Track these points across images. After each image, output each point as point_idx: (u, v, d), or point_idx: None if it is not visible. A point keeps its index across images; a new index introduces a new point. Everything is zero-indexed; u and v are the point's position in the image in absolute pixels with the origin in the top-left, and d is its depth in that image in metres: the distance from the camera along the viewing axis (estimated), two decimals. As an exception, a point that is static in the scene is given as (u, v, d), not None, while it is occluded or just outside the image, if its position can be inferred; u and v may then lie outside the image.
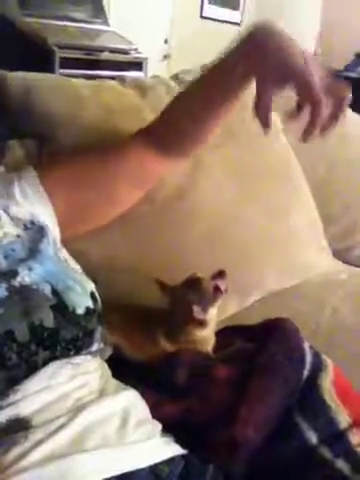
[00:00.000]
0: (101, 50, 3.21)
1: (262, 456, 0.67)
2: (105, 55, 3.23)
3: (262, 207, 1.04)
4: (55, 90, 0.98)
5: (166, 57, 4.14)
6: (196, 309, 0.76)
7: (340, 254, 1.19)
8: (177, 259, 0.96)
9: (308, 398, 0.71)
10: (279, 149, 1.14)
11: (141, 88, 1.07)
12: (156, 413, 0.69)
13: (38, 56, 2.86)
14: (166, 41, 4.08)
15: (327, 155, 1.31)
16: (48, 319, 0.63)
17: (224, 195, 1.01)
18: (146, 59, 3.35)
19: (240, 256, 0.99)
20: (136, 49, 3.29)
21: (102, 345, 0.72)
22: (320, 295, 1.03)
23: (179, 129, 0.86)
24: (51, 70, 2.88)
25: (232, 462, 0.65)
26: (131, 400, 0.67)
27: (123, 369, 0.76)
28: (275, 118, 1.19)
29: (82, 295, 0.69)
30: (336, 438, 0.68)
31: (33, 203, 0.77)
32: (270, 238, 1.03)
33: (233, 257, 0.98)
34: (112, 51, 3.26)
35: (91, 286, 0.73)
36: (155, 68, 3.76)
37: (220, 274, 0.79)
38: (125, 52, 3.33)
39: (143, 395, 0.70)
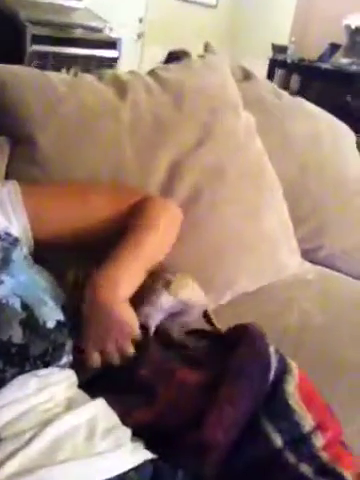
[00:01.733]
0: (74, 27, 3.15)
1: (231, 459, 0.70)
2: (78, 32, 3.16)
3: (237, 208, 1.06)
4: (31, 85, 0.97)
5: (140, 36, 4.08)
6: None
7: (308, 254, 1.23)
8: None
9: (273, 402, 0.74)
10: (254, 150, 1.16)
11: (120, 86, 1.07)
12: (125, 421, 0.70)
13: (9, 31, 2.79)
14: (141, 20, 4.02)
15: (299, 155, 1.33)
16: (17, 335, 0.64)
17: (200, 196, 1.03)
18: (120, 39, 3.30)
19: (214, 257, 1.01)
20: (111, 28, 3.23)
21: (71, 357, 0.73)
22: (289, 296, 1.07)
23: None
24: (22, 46, 2.81)
25: (202, 466, 0.68)
26: (98, 409, 0.68)
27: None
28: (251, 121, 1.22)
29: (53, 308, 0.70)
30: (300, 441, 0.71)
31: (9, 214, 0.77)
32: (244, 239, 1.05)
33: (207, 258, 1.00)
34: (85, 28, 3.20)
35: (63, 299, 0.74)
36: (129, 47, 3.71)
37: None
38: (99, 30, 3.27)
39: (110, 403, 0.71)
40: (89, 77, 1.07)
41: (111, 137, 1.00)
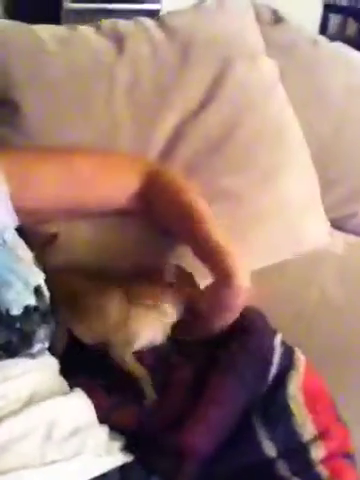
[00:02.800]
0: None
1: (215, 467, 0.62)
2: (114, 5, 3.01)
3: (246, 173, 0.94)
4: (15, 42, 0.88)
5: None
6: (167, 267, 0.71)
7: (339, 223, 1.09)
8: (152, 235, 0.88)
9: (271, 403, 0.65)
10: (274, 105, 1.02)
11: (118, 38, 0.95)
12: (108, 418, 0.65)
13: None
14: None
15: (334, 111, 1.17)
16: None
17: (203, 164, 0.91)
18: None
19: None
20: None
21: (46, 344, 0.66)
22: (308, 272, 0.95)
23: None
24: (59, 3, 2.71)
25: (178, 474, 0.60)
26: (67, 405, 0.62)
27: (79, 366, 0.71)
28: (273, 71, 1.07)
29: (21, 292, 0.62)
30: (297, 452, 0.62)
31: None
32: (253, 209, 0.93)
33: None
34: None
35: (37, 280, 0.66)
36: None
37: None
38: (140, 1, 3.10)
39: (94, 398, 0.65)
40: (85, 30, 0.96)
41: (104, 101, 0.90)
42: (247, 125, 0.96)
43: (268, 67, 1.05)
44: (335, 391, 0.70)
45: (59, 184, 0.79)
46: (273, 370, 0.67)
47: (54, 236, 0.81)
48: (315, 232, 1.00)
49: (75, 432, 0.59)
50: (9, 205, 0.72)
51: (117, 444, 0.63)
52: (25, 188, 0.75)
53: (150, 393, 0.66)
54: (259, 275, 0.92)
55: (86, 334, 0.71)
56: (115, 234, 0.86)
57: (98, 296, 0.72)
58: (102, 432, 0.62)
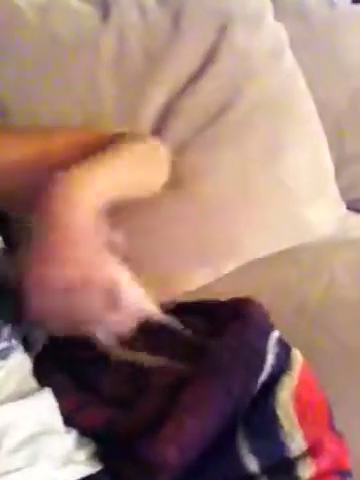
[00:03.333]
0: None
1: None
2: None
3: (245, 149, 0.85)
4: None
5: None
6: None
7: (355, 205, 0.98)
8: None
9: (258, 412, 0.56)
10: (279, 73, 0.91)
11: (104, 4, 0.87)
12: (77, 419, 0.58)
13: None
14: None
15: (351, 80, 1.06)
16: None
17: (196, 140, 0.83)
18: None
19: (212, 214, 0.81)
20: None
21: (13, 342, 0.60)
22: (317, 261, 0.84)
23: None
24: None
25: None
26: (22, 411, 0.55)
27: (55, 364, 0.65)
28: (280, 35, 0.96)
29: None
30: (282, 469, 0.53)
31: None
32: (252, 189, 0.83)
33: (203, 214, 0.81)
34: None
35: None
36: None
37: None
38: None
39: (65, 396, 0.59)
40: (69, -4, 0.88)
41: (87, 73, 0.83)
42: (246, 97, 0.87)
43: (273, 32, 0.95)
44: (338, 397, 0.61)
45: (32, 162, 0.71)
46: (264, 376, 0.58)
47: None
48: (326, 216, 0.89)
49: (30, 440, 0.53)
50: None
51: (84, 452, 0.56)
52: None
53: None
54: (262, 263, 0.84)
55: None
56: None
57: None
58: (67, 438, 0.56)
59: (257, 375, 0.58)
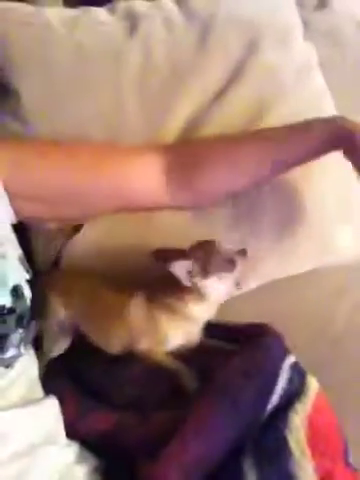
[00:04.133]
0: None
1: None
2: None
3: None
4: (20, 24, 0.81)
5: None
6: (178, 268, 0.60)
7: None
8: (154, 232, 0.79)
9: (267, 438, 0.53)
10: (307, 92, 0.90)
11: (131, 19, 0.87)
12: (84, 422, 0.59)
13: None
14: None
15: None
16: None
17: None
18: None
19: (234, 231, 0.79)
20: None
21: (22, 350, 0.59)
22: (339, 285, 0.81)
23: (215, 176, 0.73)
24: None
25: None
26: (25, 420, 0.54)
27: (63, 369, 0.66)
28: (310, 54, 0.95)
29: None
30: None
31: None
32: (278, 210, 0.81)
33: (221, 230, 0.79)
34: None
35: (17, 279, 0.59)
36: None
37: (241, 252, 0.65)
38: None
39: (70, 399, 0.60)
40: (97, 11, 0.88)
41: (112, 88, 0.82)
42: (274, 114, 0.85)
43: (302, 51, 0.93)
44: (355, 430, 0.57)
45: (59, 172, 0.71)
46: (274, 399, 0.55)
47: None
48: (350, 240, 0.86)
49: (28, 451, 0.52)
50: (5, 200, 0.67)
51: (84, 466, 0.56)
52: (19, 171, 0.69)
53: (191, 383, 0.60)
54: (282, 285, 0.81)
55: (110, 345, 0.66)
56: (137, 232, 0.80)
57: (119, 304, 0.66)
58: (68, 451, 0.55)
59: (267, 399, 0.55)
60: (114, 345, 0.66)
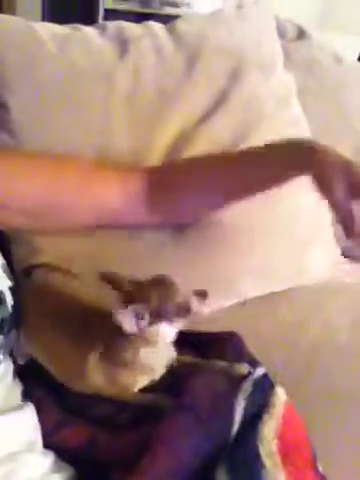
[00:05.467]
0: (151, 1, 3.01)
1: None
2: (155, 7, 3.01)
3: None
4: (12, 39, 0.82)
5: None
6: (122, 316, 0.55)
7: (352, 252, 1.00)
8: (132, 253, 0.81)
9: (240, 449, 0.55)
10: (285, 120, 0.95)
11: (122, 42, 0.90)
12: (58, 436, 0.59)
13: (81, 5, 2.71)
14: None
15: (356, 130, 1.10)
16: None
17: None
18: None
19: (211, 254, 0.83)
20: (188, 4, 3.04)
21: (1, 357, 0.60)
22: (311, 302, 0.86)
23: (198, 193, 0.76)
24: (94, 21, 2.73)
25: None
26: (3, 428, 0.55)
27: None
28: (289, 85, 1.00)
29: None
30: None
31: None
32: (253, 231, 0.85)
33: (202, 256, 0.82)
34: (163, 3, 3.04)
35: (1, 285, 0.61)
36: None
37: (201, 294, 0.59)
38: (176, 5, 3.10)
39: (45, 412, 0.60)
40: (89, 31, 0.91)
41: (100, 108, 0.85)
42: (254, 141, 0.89)
43: (282, 82, 0.99)
44: (325, 438, 0.61)
45: (43, 186, 0.73)
46: (239, 408, 0.57)
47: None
48: (321, 261, 0.91)
49: (7, 458, 0.53)
50: None
51: (59, 477, 0.56)
52: (4, 182, 0.70)
53: (166, 406, 0.59)
54: (256, 302, 0.85)
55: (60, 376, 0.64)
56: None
57: (77, 357, 0.61)
58: (44, 461, 0.56)
59: (231, 409, 0.57)
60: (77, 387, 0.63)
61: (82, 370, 0.60)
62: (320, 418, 0.64)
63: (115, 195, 0.75)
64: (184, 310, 0.57)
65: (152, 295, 0.57)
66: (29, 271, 0.74)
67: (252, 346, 0.68)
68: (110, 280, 0.60)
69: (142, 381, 0.61)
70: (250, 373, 0.61)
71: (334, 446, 0.63)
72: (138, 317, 0.56)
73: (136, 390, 0.61)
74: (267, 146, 0.72)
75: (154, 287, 0.58)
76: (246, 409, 0.57)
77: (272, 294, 0.85)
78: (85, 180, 0.75)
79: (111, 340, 0.60)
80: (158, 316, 0.57)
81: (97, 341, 0.61)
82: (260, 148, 0.73)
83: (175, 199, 0.77)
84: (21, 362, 0.65)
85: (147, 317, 0.56)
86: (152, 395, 0.61)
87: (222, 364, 0.63)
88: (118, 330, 0.56)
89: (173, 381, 0.61)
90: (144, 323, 0.56)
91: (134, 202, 0.76)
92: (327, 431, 0.63)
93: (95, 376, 0.60)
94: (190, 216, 0.82)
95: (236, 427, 0.56)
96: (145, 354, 0.59)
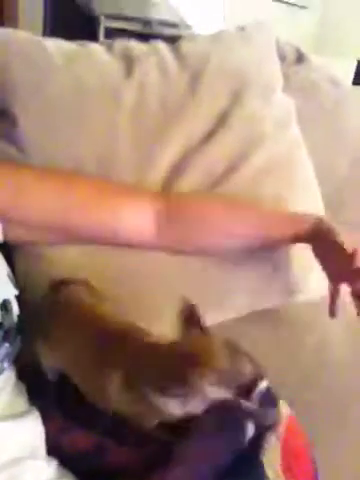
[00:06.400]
0: (151, 22, 3.06)
1: None
2: (155, 27, 3.06)
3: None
4: (20, 54, 0.84)
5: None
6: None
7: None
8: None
9: (244, 460, 0.57)
10: (285, 141, 0.97)
11: (128, 60, 0.93)
12: (64, 440, 0.60)
13: (82, 24, 2.74)
14: (224, 18, 3.85)
15: (352, 151, 1.13)
16: None
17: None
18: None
19: (208, 268, 0.84)
20: (187, 25, 3.10)
21: (5, 364, 0.61)
22: (308, 319, 0.87)
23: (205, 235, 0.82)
24: (95, 40, 2.76)
25: None
26: (8, 434, 0.56)
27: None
28: (288, 107, 1.03)
29: None
30: None
31: None
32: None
33: (200, 270, 0.83)
34: (163, 24, 3.09)
35: (6, 294, 0.61)
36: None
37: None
38: (177, 26, 3.15)
39: (49, 417, 0.61)
40: (96, 48, 0.93)
41: (106, 123, 0.87)
42: (253, 162, 0.92)
43: (282, 104, 1.01)
44: (325, 451, 0.62)
45: (52, 203, 0.75)
46: (250, 428, 0.58)
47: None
48: (320, 279, 0.92)
49: (11, 463, 0.54)
50: None
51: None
52: (13, 196, 0.72)
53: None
54: (255, 319, 0.86)
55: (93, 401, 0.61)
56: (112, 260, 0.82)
57: (97, 375, 0.58)
58: (48, 468, 0.56)
59: (244, 427, 0.58)
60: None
61: (104, 390, 0.56)
62: (318, 431, 0.65)
63: (122, 217, 0.77)
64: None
65: (246, 372, 0.51)
66: (58, 286, 0.74)
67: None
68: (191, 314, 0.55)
69: (156, 422, 0.56)
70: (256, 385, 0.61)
71: (332, 458, 0.63)
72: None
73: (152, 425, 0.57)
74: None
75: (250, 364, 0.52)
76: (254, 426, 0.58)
77: (268, 310, 0.86)
78: (93, 200, 0.76)
79: (131, 369, 0.55)
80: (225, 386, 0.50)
81: (117, 365, 0.56)
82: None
83: (184, 231, 0.80)
84: (51, 378, 0.65)
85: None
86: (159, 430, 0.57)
87: None
88: (161, 366, 0.52)
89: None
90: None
91: (141, 226, 0.77)
92: (325, 444, 0.64)
93: (117, 399, 0.56)
94: (193, 249, 0.84)
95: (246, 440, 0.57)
96: (177, 410, 0.53)
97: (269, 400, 0.61)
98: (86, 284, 0.70)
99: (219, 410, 0.53)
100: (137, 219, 0.77)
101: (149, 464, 0.56)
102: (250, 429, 0.58)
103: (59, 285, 0.70)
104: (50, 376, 0.65)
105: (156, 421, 0.55)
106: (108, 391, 0.55)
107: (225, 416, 0.55)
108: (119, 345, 0.57)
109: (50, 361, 0.65)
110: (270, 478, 0.55)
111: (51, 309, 0.66)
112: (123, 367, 0.55)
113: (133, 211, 0.77)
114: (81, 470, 0.59)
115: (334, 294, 0.75)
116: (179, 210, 0.80)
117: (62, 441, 0.60)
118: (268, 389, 0.62)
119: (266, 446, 0.57)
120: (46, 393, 0.65)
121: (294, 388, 0.72)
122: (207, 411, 0.52)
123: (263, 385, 0.62)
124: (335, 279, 0.76)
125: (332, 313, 0.75)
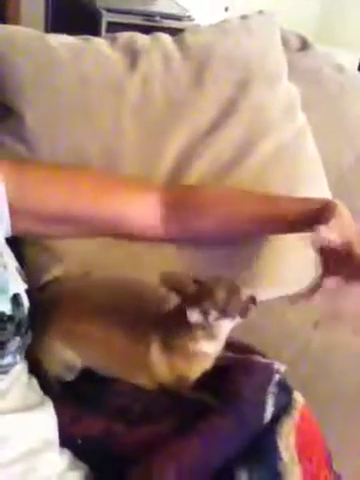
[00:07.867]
0: (153, 15, 3.05)
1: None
2: (157, 21, 3.05)
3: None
4: (25, 50, 0.84)
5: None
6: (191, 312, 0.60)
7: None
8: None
9: (260, 442, 0.58)
10: (291, 129, 0.97)
11: (132, 53, 0.93)
12: (74, 426, 0.61)
13: (84, 18, 2.74)
14: (226, 9, 3.83)
15: (357, 139, 1.12)
16: None
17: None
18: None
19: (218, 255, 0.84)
20: (189, 17, 3.08)
21: (17, 357, 0.62)
22: (321, 305, 0.87)
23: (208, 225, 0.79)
24: (97, 34, 2.75)
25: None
26: (24, 425, 0.57)
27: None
28: (293, 95, 1.03)
29: None
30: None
31: None
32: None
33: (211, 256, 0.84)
34: (165, 17, 3.08)
35: (17, 288, 0.62)
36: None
37: (251, 298, 0.64)
38: (179, 18, 3.14)
39: (61, 406, 0.62)
40: (100, 41, 0.93)
41: (112, 117, 0.87)
42: (260, 150, 0.92)
43: (288, 92, 1.01)
44: (336, 437, 0.62)
45: (60, 197, 0.75)
46: (267, 414, 0.60)
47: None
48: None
49: (28, 454, 0.55)
50: (5, 213, 0.69)
51: (76, 475, 0.58)
52: (22, 191, 0.71)
53: (212, 402, 0.62)
54: (265, 308, 0.86)
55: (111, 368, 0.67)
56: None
57: (135, 353, 0.65)
58: (61, 459, 0.57)
59: (262, 416, 0.60)
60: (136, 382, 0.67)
61: (146, 362, 0.64)
62: (331, 419, 0.65)
63: (131, 210, 0.77)
64: (245, 309, 0.62)
65: (219, 294, 0.61)
66: (43, 288, 0.76)
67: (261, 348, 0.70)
68: (174, 281, 0.64)
69: (198, 371, 0.64)
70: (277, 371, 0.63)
71: (344, 445, 0.64)
72: (206, 313, 0.60)
73: (193, 379, 0.64)
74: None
75: (220, 286, 0.62)
76: (271, 412, 0.59)
77: (278, 298, 0.86)
78: (101, 194, 0.76)
79: (170, 327, 0.64)
80: (224, 313, 0.61)
81: (155, 330, 0.65)
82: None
83: (192, 222, 0.79)
84: (70, 379, 0.67)
85: (214, 313, 0.60)
86: (199, 392, 0.63)
87: (258, 359, 0.66)
88: (178, 318, 0.61)
89: (215, 375, 0.64)
90: (212, 318, 0.60)
91: (150, 218, 0.77)
92: (337, 432, 0.65)
93: (159, 366, 0.63)
94: (203, 239, 0.84)
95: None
96: (207, 346, 0.63)
97: (284, 387, 0.62)
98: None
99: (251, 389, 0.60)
100: (145, 211, 0.77)
101: (159, 443, 0.57)
102: (268, 412, 0.59)
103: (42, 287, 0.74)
104: (68, 378, 0.66)
105: (198, 373, 0.63)
106: (151, 360, 0.63)
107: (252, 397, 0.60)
108: (145, 319, 0.65)
109: (66, 355, 0.66)
110: (284, 460, 0.56)
111: (52, 306, 0.69)
112: (157, 334, 0.64)
113: (141, 203, 0.77)
114: (93, 460, 0.61)
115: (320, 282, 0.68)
116: (187, 201, 0.80)
117: (75, 430, 0.61)
118: (282, 379, 0.64)
119: (282, 430, 0.58)
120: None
121: (305, 374, 0.72)
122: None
123: (277, 376, 0.63)
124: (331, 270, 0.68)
125: (293, 300, 0.70)
